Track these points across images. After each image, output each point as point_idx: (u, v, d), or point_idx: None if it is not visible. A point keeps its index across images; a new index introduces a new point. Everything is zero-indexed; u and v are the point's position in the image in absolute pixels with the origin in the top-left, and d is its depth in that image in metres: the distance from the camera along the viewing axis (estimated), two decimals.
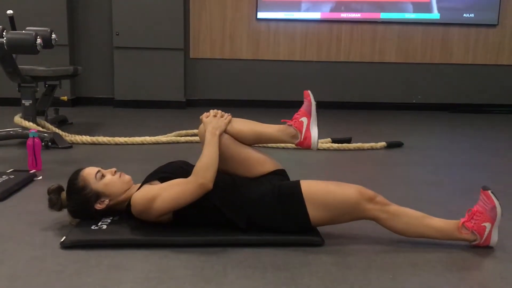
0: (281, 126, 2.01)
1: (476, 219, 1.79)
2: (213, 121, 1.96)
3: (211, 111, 2.04)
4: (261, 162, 1.99)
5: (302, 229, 1.83)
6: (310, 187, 1.83)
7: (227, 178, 1.92)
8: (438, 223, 1.83)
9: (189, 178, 1.80)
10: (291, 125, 1.99)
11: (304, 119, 1.97)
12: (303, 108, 2.01)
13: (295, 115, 2.01)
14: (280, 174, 2.00)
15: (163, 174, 1.90)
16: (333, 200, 1.80)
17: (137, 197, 1.82)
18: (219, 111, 2.03)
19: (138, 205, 1.80)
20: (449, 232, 1.81)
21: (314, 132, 1.98)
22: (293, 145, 2.04)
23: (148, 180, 1.90)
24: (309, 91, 2.03)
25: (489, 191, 1.78)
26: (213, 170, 1.81)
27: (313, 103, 1.98)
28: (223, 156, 1.92)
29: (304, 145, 1.99)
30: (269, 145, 3.46)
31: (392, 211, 1.81)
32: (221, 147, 1.92)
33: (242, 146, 1.99)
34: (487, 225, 1.77)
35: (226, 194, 1.84)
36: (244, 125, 2.01)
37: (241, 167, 1.98)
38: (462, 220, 1.81)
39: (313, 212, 1.79)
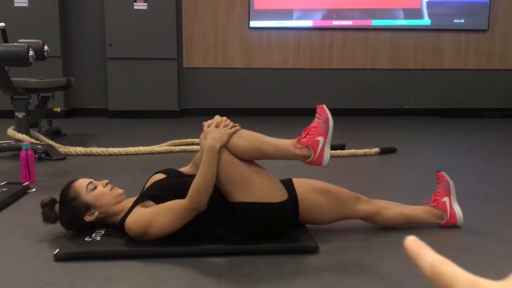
0: (425, 207, 2.07)
1: (311, 134, 1.82)
2: (214, 131, 1.78)
3: (216, 117, 1.85)
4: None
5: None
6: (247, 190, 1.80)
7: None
8: (276, 140, 1.84)
9: (183, 201, 1.72)
10: (434, 207, 2.07)
11: (446, 199, 2.06)
12: (441, 188, 2.09)
13: (435, 196, 2.09)
14: None
15: (155, 192, 1.84)
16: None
17: (130, 222, 1.77)
18: (224, 119, 1.83)
19: (134, 230, 1.77)
20: (285, 148, 1.82)
21: (457, 208, 2.06)
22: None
23: (140, 200, 1.84)
24: (443, 173, 2.09)
25: (324, 105, 1.82)
26: (207, 193, 1.71)
27: (451, 182, 2.06)
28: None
29: (450, 223, 2.07)
30: None
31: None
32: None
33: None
34: (320, 139, 1.80)
35: (218, 214, 1.81)
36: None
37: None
38: (298, 137, 1.84)
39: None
